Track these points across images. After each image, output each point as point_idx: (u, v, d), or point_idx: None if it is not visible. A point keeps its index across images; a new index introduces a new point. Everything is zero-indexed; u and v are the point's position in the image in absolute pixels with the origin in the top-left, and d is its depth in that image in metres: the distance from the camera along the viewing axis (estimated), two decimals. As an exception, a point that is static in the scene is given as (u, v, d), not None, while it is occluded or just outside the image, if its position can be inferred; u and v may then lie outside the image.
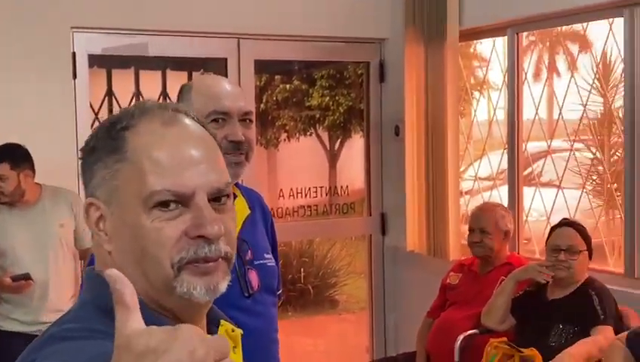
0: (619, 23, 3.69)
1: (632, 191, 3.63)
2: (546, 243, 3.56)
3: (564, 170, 4.40)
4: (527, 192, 4.56)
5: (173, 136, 1.07)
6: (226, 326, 1.16)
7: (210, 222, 1.04)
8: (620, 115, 4.75)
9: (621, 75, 3.64)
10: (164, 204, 1.04)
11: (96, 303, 1.05)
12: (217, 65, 4.53)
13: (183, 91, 2.06)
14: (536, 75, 9.94)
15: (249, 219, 2.16)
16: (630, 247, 3.65)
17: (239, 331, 1.17)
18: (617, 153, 5.86)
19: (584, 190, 4.85)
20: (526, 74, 4.37)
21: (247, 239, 2.12)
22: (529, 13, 4.06)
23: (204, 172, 1.06)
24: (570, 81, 4.29)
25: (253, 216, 2.18)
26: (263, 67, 4.99)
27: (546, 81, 5.40)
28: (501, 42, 4.59)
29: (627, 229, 3.67)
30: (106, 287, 1.03)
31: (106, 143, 1.07)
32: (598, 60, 4.65)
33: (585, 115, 4.43)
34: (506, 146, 4.38)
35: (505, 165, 4.69)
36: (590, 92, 4.58)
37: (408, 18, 4.51)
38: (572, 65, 4.77)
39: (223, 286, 1.07)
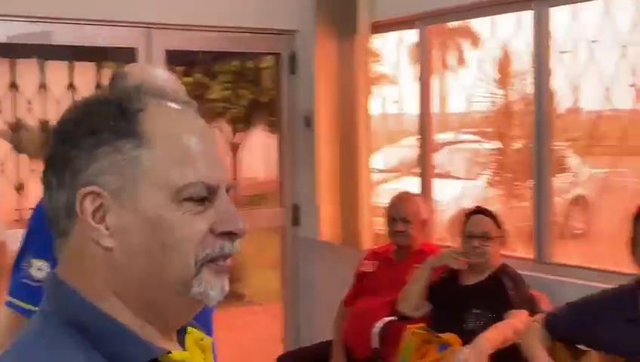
0: (525, 16, 3.83)
1: (540, 179, 3.78)
2: (460, 230, 3.65)
3: (477, 161, 4.53)
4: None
5: (193, 124, 1.00)
6: (194, 334, 1.08)
7: (239, 217, 0.99)
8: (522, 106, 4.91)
9: (532, 66, 3.77)
10: (196, 197, 0.96)
11: (62, 315, 0.94)
12: (127, 55, 4.42)
13: (116, 78, 2.01)
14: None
15: None
16: (539, 233, 3.80)
17: (209, 339, 1.09)
18: (516, 144, 6.09)
19: (482, 179, 5.02)
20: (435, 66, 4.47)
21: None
22: (439, 7, 4.14)
23: (222, 165, 1.01)
24: (467, 74, 4.42)
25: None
26: (174, 58, 4.91)
27: (448, 73, 5.48)
28: (393, 37, 4.66)
29: (537, 215, 3.81)
30: (74, 298, 0.95)
31: (116, 125, 0.95)
32: (498, 55, 4.81)
33: (488, 107, 4.59)
34: (419, 138, 4.46)
35: (402, 158, 4.80)
36: (496, 87, 4.75)
37: (320, 10, 4.54)
38: (466, 60, 4.92)
39: (228, 288, 1.01)
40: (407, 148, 6.12)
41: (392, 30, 4.69)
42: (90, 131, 0.95)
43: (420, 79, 4.39)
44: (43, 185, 0.99)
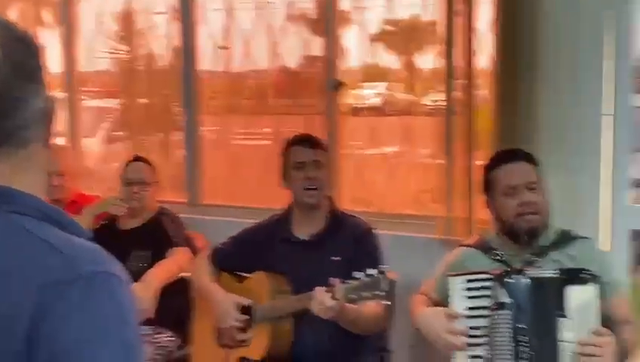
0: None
1: (190, 131, 4.09)
2: (120, 178, 3.79)
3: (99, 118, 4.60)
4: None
5: None
6: None
7: None
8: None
9: (178, 23, 3.99)
10: None
11: (34, 215, 1.06)
12: None
13: None
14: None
15: None
16: (191, 179, 4.12)
17: None
18: (141, 100, 6.23)
19: (102, 136, 5.11)
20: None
21: None
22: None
23: None
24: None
25: None
26: None
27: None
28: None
29: (188, 163, 4.12)
30: (32, 198, 1.07)
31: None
32: (118, 11, 4.92)
33: (109, 64, 4.67)
34: (65, 96, 4.45)
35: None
36: (119, 44, 4.85)
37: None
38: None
39: None
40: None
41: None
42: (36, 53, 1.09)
43: (65, 38, 4.39)
44: (13, 94, 1.04)
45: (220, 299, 3.05)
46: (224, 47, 4.24)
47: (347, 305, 2.55)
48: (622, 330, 2.37)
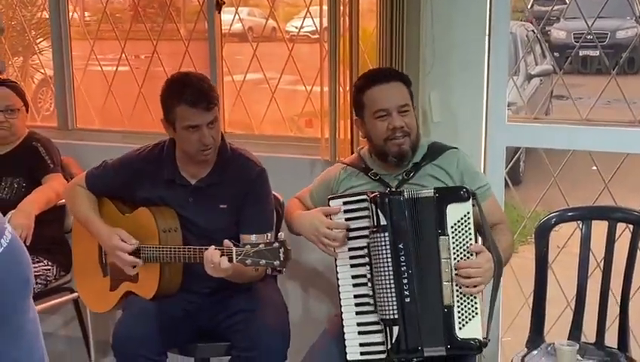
0: None
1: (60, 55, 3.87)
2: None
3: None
4: None
5: None
6: None
7: None
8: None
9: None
10: None
11: None
12: None
13: None
14: None
15: None
16: (64, 103, 3.95)
17: None
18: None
19: None
20: None
21: None
22: None
23: None
24: None
25: None
26: None
27: None
28: None
29: (58, 88, 3.89)
30: None
31: None
32: None
33: None
34: None
35: None
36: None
37: None
38: None
39: None
40: None
41: None
42: None
43: None
44: None
45: (104, 233, 2.86)
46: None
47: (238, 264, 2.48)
48: (496, 231, 2.48)
